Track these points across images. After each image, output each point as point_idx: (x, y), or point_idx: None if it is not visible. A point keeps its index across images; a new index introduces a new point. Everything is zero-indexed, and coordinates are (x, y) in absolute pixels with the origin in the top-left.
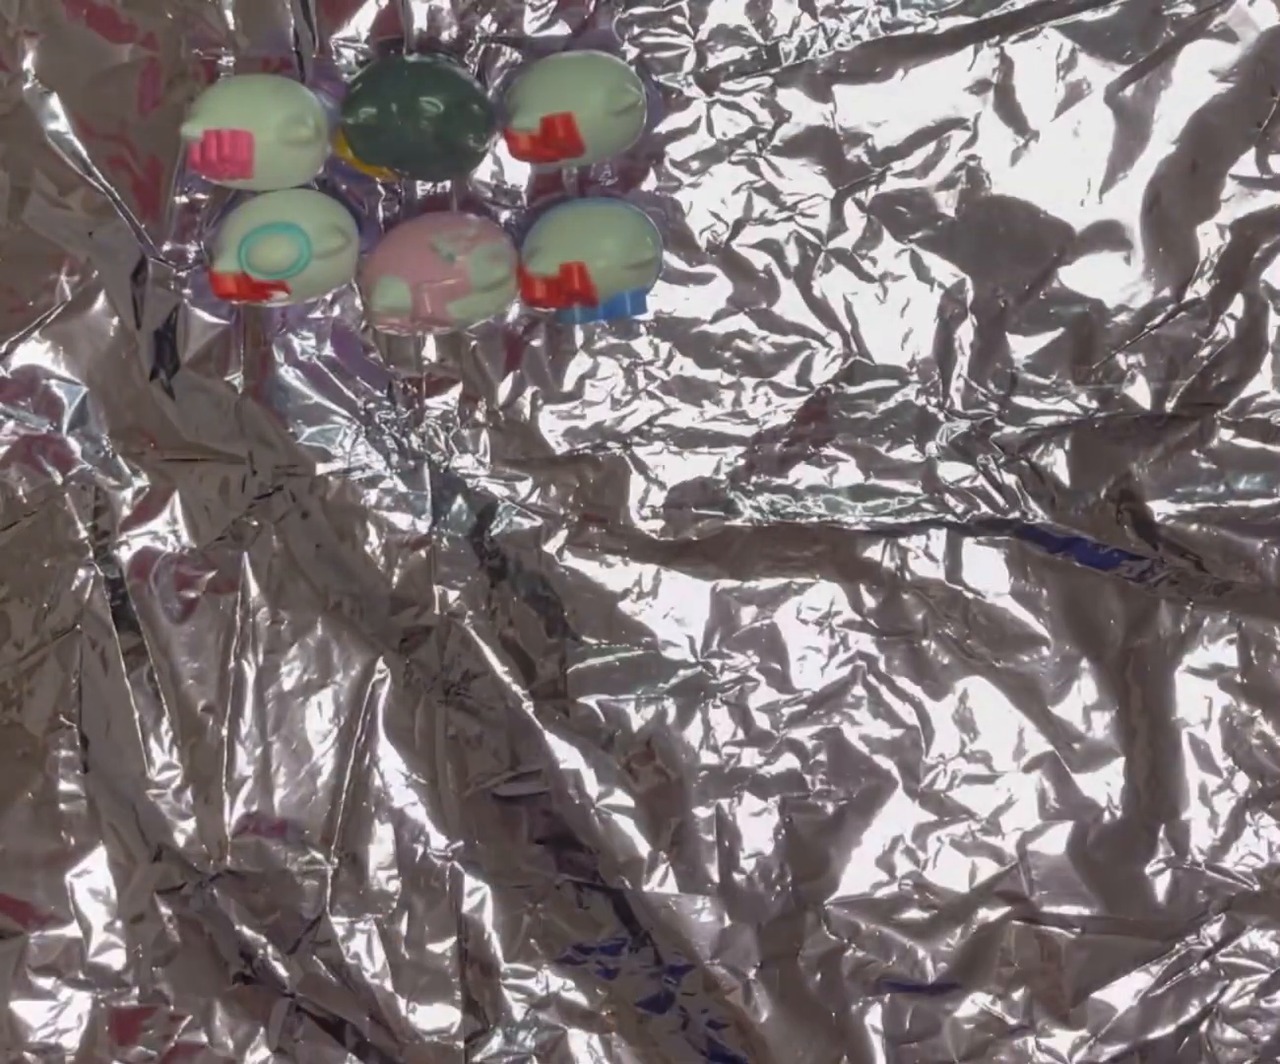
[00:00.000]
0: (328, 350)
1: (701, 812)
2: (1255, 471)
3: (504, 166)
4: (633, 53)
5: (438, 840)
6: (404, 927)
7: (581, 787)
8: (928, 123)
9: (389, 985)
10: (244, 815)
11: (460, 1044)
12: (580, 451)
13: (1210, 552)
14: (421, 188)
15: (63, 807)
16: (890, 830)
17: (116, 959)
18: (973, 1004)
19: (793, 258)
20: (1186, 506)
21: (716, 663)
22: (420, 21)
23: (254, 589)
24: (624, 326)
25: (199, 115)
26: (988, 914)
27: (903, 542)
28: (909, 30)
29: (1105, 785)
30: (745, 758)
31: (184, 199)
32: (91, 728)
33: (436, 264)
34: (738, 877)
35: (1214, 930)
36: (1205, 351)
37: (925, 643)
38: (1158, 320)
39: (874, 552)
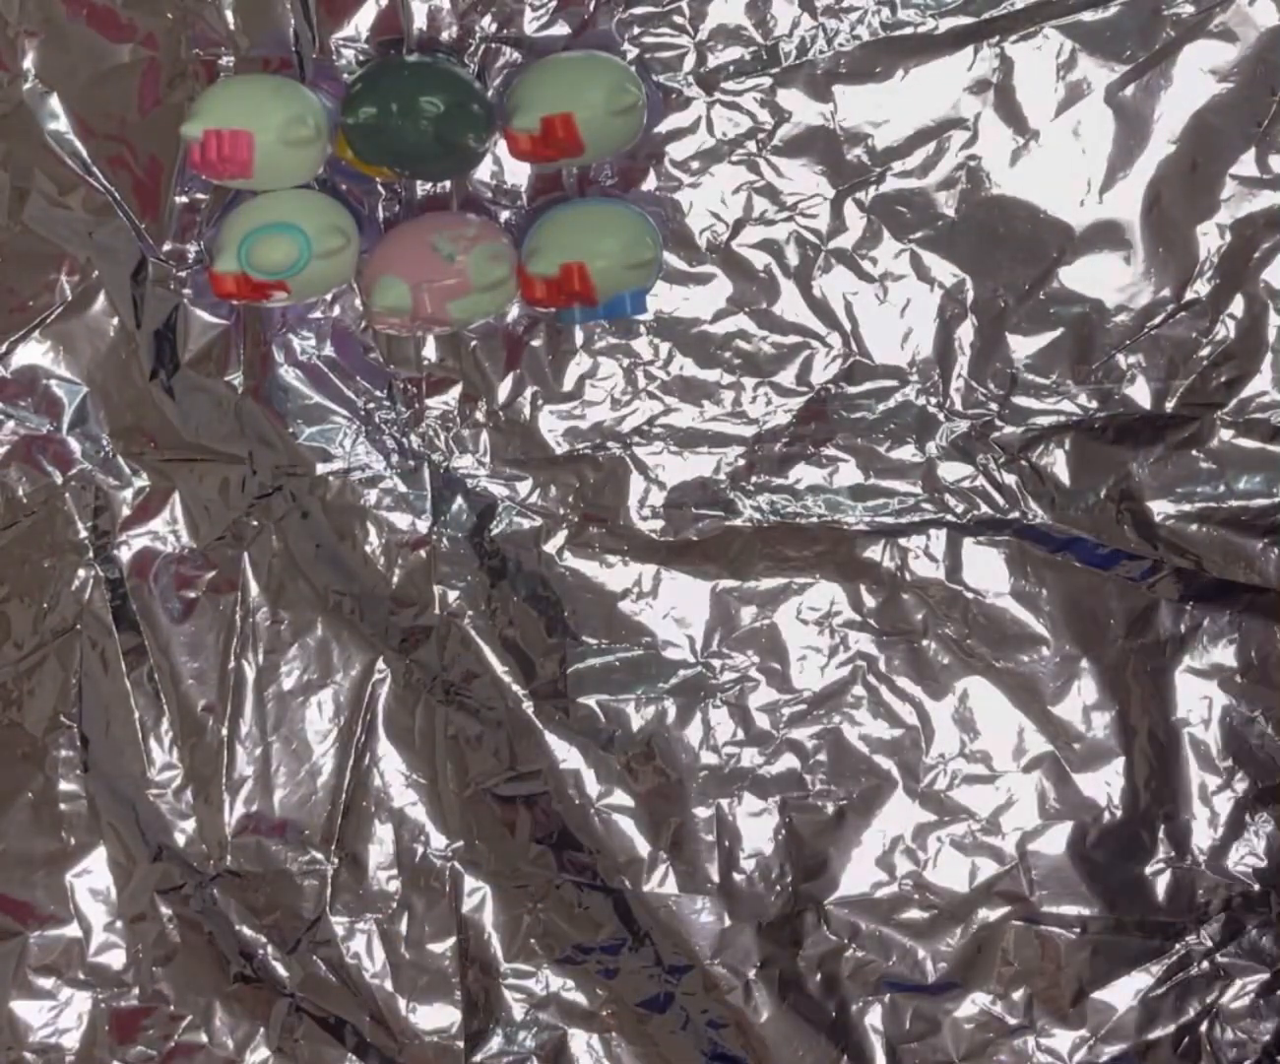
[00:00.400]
0: (328, 350)
1: (701, 812)
2: (1255, 472)
3: (504, 166)
4: (633, 53)
5: (438, 840)
6: (404, 927)
7: (581, 787)
8: (928, 123)
9: (389, 985)
10: (244, 815)
11: (460, 1044)
12: (580, 451)
13: (1210, 552)
14: (421, 188)
15: (63, 807)
16: (890, 830)
17: (116, 959)
18: (973, 1004)
19: (793, 258)
20: (1186, 506)
21: (716, 663)
22: (420, 21)
23: (254, 589)
24: (624, 326)
25: (199, 115)
26: (988, 914)
27: (903, 542)
28: (909, 30)
29: (1105, 785)
30: (745, 758)
31: (184, 199)
32: (91, 728)
33: (436, 264)
34: (738, 877)
35: (1214, 930)
36: (1205, 351)
37: (925, 643)
38: (1158, 320)
39: (874, 552)
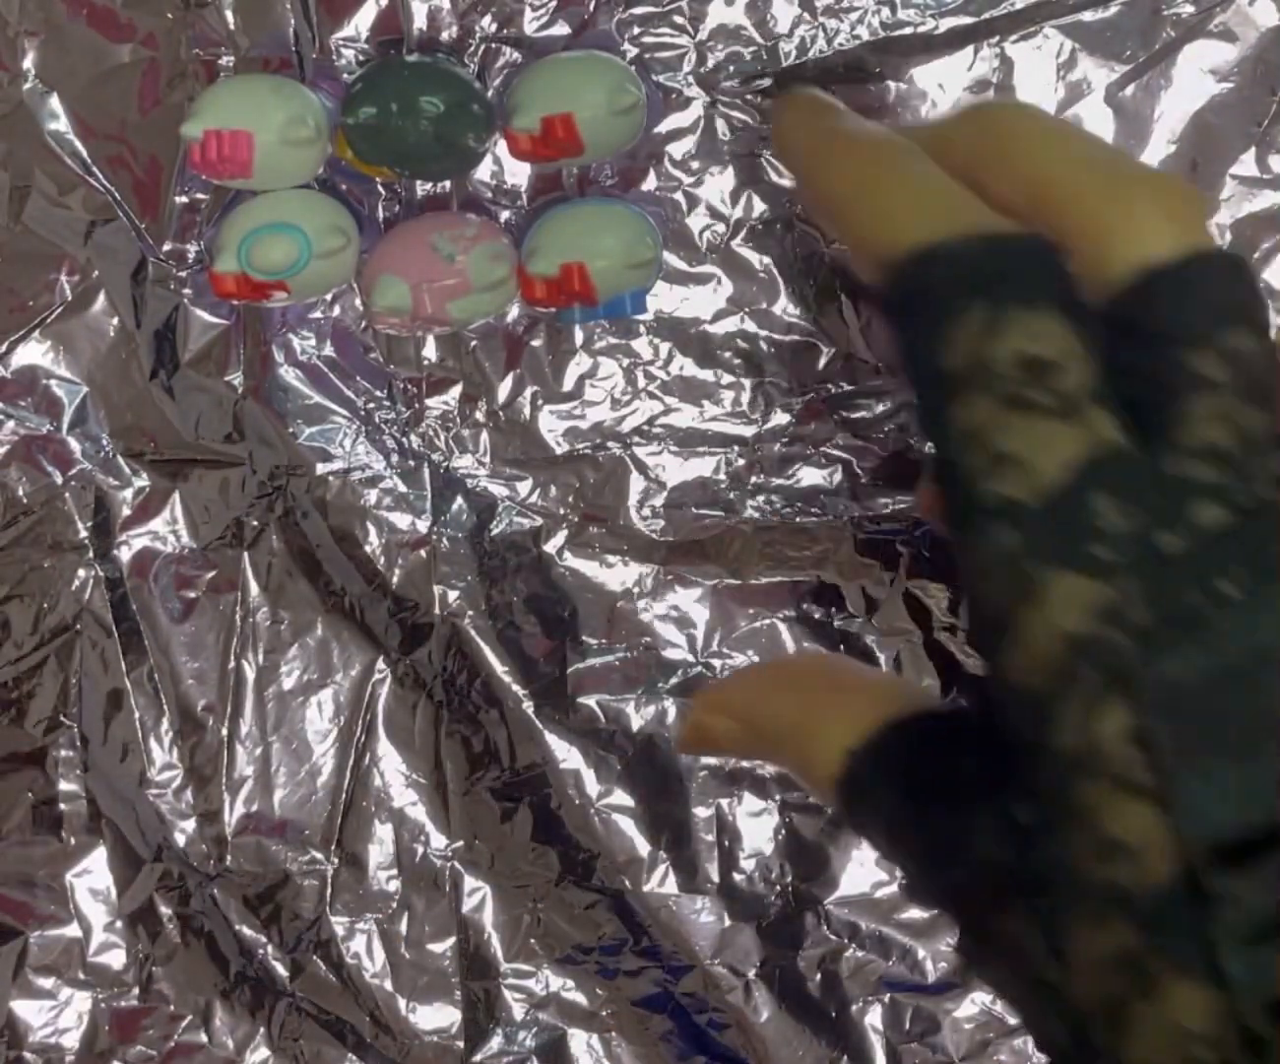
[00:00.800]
0: (328, 350)
1: (701, 812)
2: None
3: (504, 166)
4: (633, 53)
5: (438, 840)
6: (404, 927)
7: (581, 787)
8: (928, 123)
9: (389, 985)
10: (244, 815)
11: (460, 1044)
12: (580, 451)
13: None
14: (421, 188)
15: (63, 806)
16: None
17: (116, 959)
18: (972, 1004)
19: (793, 258)
20: None
21: (716, 663)
22: (420, 21)
23: (254, 589)
24: (624, 326)
25: (199, 115)
26: None
27: (903, 541)
28: (909, 30)
29: None
30: None
31: (184, 199)
32: (91, 728)
33: (436, 264)
34: (738, 877)
35: None
36: None
37: (925, 642)
38: None
39: (874, 552)
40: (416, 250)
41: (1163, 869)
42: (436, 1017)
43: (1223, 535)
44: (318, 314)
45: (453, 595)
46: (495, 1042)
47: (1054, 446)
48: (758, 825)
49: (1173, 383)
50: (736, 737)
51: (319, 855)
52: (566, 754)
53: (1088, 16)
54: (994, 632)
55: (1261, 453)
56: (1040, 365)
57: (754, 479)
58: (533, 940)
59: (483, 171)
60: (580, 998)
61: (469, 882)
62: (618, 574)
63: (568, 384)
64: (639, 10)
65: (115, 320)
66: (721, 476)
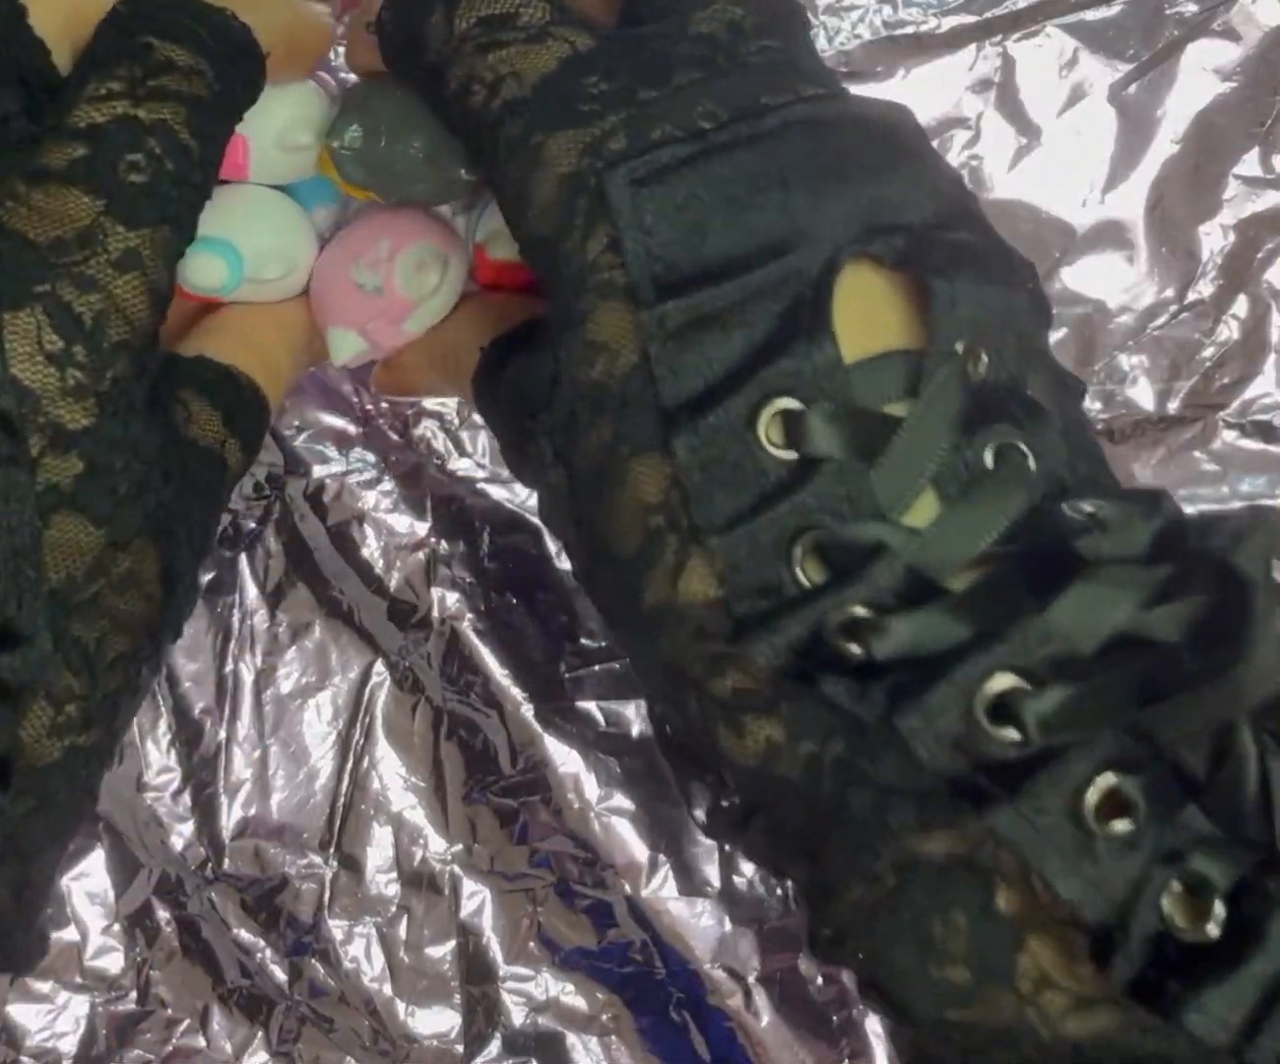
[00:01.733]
0: None
1: (701, 815)
2: (1258, 473)
3: None
4: None
5: (437, 843)
6: (403, 930)
7: (581, 790)
8: (929, 122)
9: (388, 989)
10: (242, 819)
11: (460, 1048)
12: None
13: None
14: None
15: None
16: None
17: (114, 963)
18: None
19: None
20: (1189, 508)
21: None
22: None
23: (252, 591)
24: None
25: None
26: None
27: None
28: (910, 29)
29: None
30: None
31: None
32: None
33: (366, 300)
34: (738, 881)
35: None
36: (1208, 352)
37: None
38: (1160, 321)
39: None
40: (344, 292)
41: (630, 359)
42: (436, 1020)
43: (698, 84)
44: None
45: (451, 598)
46: (495, 1046)
47: (532, 58)
48: None
49: (685, 3)
50: (426, 376)
51: (317, 859)
52: (566, 757)
53: (1090, 15)
54: (516, 210)
55: (748, 35)
56: (498, 18)
57: None
58: (532, 944)
59: None
60: (580, 1002)
61: (468, 885)
62: None
63: None
64: None
65: None
66: None
